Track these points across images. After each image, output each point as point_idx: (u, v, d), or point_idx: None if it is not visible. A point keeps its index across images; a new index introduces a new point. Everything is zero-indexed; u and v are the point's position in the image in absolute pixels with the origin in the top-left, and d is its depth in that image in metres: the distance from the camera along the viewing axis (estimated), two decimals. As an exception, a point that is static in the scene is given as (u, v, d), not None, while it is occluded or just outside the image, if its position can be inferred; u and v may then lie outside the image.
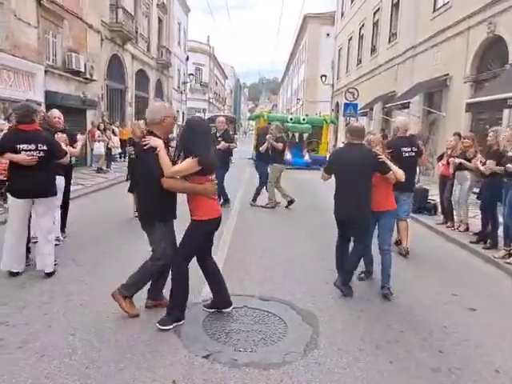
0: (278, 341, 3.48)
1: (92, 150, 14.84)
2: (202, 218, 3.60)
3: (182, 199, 3.79)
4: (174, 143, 7.55)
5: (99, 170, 14.00)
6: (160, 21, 26.93)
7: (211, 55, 50.59)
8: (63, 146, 5.19)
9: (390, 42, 19.94)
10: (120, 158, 17.29)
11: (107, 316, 3.77)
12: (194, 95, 43.82)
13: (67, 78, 14.42)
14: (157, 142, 3.49)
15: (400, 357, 3.33)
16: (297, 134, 20.22)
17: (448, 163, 7.58)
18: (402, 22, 18.48)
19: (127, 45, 20.12)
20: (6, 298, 4.03)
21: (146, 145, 3.50)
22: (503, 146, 6.18)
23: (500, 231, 6.26)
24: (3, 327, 3.49)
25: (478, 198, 7.04)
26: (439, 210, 8.53)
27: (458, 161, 7.14)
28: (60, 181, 5.30)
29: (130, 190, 7.73)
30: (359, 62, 25.69)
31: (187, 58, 38.56)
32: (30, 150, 4.46)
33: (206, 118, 21.07)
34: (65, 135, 5.70)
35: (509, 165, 5.66)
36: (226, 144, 8.91)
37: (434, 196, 9.13)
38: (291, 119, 20.37)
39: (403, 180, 4.61)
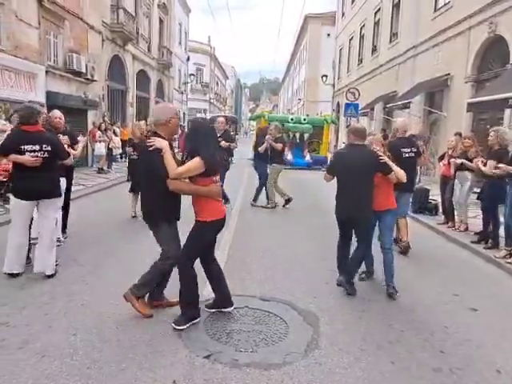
0: (279, 341, 3.48)
1: (93, 150, 14.85)
2: (206, 219, 3.60)
3: (186, 200, 3.79)
4: (175, 143, 7.55)
5: (100, 171, 14.01)
6: (161, 21, 26.95)
7: (212, 55, 50.61)
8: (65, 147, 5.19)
9: (390, 41, 19.93)
10: (121, 158, 17.30)
11: (108, 316, 3.77)
12: (195, 95, 43.84)
13: (68, 78, 14.43)
14: (162, 144, 3.48)
15: (401, 357, 3.33)
16: (298, 135, 20.21)
17: (449, 163, 7.58)
18: (402, 21, 18.47)
19: (128, 45, 20.14)
20: (7, 299, 4.03)
21: (151, 146, 3.49)
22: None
23: (501, 231, 6.25)
24: (4, 328, 3.49)
25: (478, 198, 7.03)
26: (440, 210, 8.53)
27: (459, 161, 7.13)
28: (62, 182, 5.30)
29: (131, 191, 7.76)
30: (360, 61, 25.68)
31: (188, 59, 38.58)
32: (34, 151, 4.46)
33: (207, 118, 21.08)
34: (66, 137, 5.70)
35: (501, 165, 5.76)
36: (227, 143, 8.94)
37: (435, 196, 9.12)
38: (292, 119, 20.37)
39: (404, 181, 4.67)
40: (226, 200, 9.09)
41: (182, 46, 35.74)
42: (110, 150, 14.85)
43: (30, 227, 4.84)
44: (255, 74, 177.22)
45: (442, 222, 8.05)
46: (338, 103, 30.40)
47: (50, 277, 4.60)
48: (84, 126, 15.19)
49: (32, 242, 4.99)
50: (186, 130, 20.14)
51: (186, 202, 3.77)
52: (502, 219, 6.25)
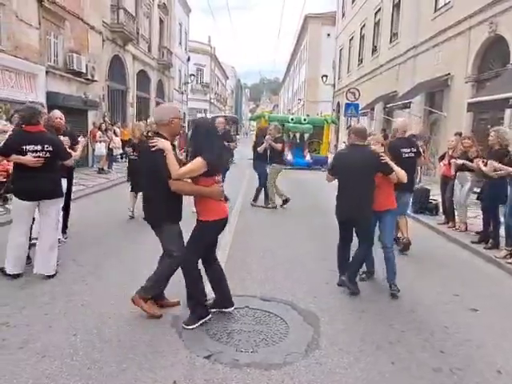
0: (280, 341, 3.48)
1: (93, 150, 14.85)
2: (208, 218, 3.61)
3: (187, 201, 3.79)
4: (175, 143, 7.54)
5: (100, 171, 14.01)
6: (161, 21, 26.95)
7: (212, 56, 50.61)
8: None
9: (391, 41, 19.93)
10: (121, 158, 17.30)
11: (109, 316, 3.77)
12: (195, 96, 43.83)
13: (69, 78, 14.43)
14: (164, 144, 3.48)
15: (401, 357, 3.32)
16: (298, 135, 20.21)
17: (449, 163, 7.58)
18: (403, 22, 18.47)
19: (128, 45, 20.14)
20: (7, 299, 4.03)
21: (153, 146, 3.48)
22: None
23: (501, 231, 6.25)
24: (4, 328, 3.50)
25: (478, 198, 7.03)
26: (441, 210, 8.52)
27: (460, 162, 7.13)
28: (62, 182, 5.30)
29: (132, 190, 7.77)
30: (360, 62, 25.68)
31: (188, 59, 38.58)
32: (36, 151, 4.46)
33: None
34: (67, 138, 5.70)
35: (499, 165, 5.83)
36: (227, 144, 8.96)
37: (436, 196, 9.12)
38: (292, 119, 20.38)
39: (405, 181, 4.70)
40: (226, 200, 9.10)
41: (182, 46, 35.74)
42: (110, 150, 14.86)
43: (31, 227, 4.85)
44: (255, 74, 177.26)
45: (442, 222, 8.05)
46: (339, 103, 30.40)
47: (50, 277, 4.60)
48: (84, 127, 15.19)
49: (32, 241, 4.99)
50: (187, 130, 20.18)
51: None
52: (502, 219, 6.25)
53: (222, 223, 3.72)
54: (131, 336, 3.45)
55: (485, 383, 3.07)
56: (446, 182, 7.82)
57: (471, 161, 6.93)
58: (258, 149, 9.57)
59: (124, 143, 15.37)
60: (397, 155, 5.40)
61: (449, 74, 13.66)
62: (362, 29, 25.27)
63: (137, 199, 7.71)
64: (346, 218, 4.65)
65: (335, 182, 4.87)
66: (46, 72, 12.95)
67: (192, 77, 37.66)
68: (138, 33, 21.42)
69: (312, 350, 3.37)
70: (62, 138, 5.45)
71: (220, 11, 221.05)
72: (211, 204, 3.61)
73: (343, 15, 31.23)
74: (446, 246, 6.99)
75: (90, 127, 15.29)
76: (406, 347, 3.48)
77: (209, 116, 29.84)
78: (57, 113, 5.84)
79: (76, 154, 5.84)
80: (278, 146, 9.34)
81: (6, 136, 5.83)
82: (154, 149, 3.46)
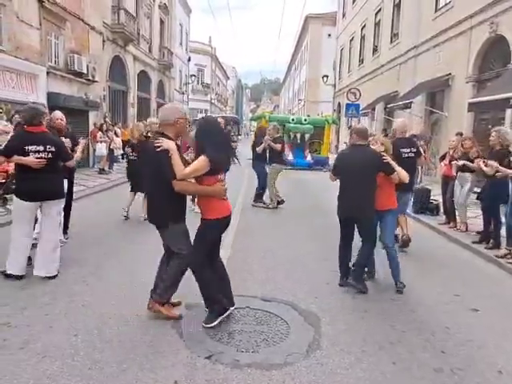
0: (280, 341, 3.48)
1: (94, 151, 14.86)
2: (211, 217, 3.61)
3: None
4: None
5: (101, 171, 14.02)
6: (162, 22, 26.96)
7: (213, 56, 50.63)
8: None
9: (391, 42, 19.93)
10: (122, 158, 17.27)
11: (109, 317, 3.77)
12: (196, 96, 43.84)
13: (69, 79, 14.44)
14: (169, 145, 3.47)
15: (402, 357, 3.32)
16: (298, 135, 20.21)
17: (450, 163, 7.57)
18: (403, 22, 18.46)
19: (129, 46, 20.15)
20: (8, 299, 4.03)
21: (158, 146, 3.47)
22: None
23: (502, 231, 6.24)
24: (5, 328, 3.50)
25: (477, 198, 7.03)
26: (441, 210, 8.52)
27: (461, 163, 7.13)
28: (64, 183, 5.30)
29: (132, 190, 7.76)
30: (361, 62, 25.68)
31: (189, 59, 38.60)
32: (38, 152, 4.45)
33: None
34: (68, 140, 5.71)
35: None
36: None
37: (437, 196, 9.11)
38: (293, 120, 20.38)
39: (407, 181, 4.74)
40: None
41: (182, 46, 35.75)
42: (111, 150, 14.86)
43: (33, 227, 4.84)
44: (256, 75, 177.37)
45: (443, 222, 8.05)
46: (339, 103, 30.40)
47: (51, 278, 4.59)
48: (85, 127, 15.20)
49: (33, 242, 4.99)
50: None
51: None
52: (503, 219, 6.25)
53: (225, 221, 3.72)
54: (132, 336, 3.45)
55: (486, 383, 3.06)
56: (447, 182, 7.82)
57: (472, 161, 6.93)
58: (257, 149, 9.56)
59: (125, 144, 15.38)
60: (397, 155, 5.41)
61: (450, 74, 13.66)
62: (362, 29, 25.28)
63: (134, 200, 7.71)
64: (347, 216, 4.67)
65: (336, 182, 4.88)
66: (47, 73, 12.96)
67: (193, 77, 37.69)
68: (138, 33, 21.44)
69: (313, 350, 3.37)
70: (63, 139, 5.45)
71: (220, 11, 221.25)
72: (214, 203, 3.62)
73: (344, 15, 31.23)
74: (447, 246, 6.98)
75: (91, 128, 15.30)
76: (407, 347, 3.48)
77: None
78: (58, 114, 5.84)
79: (76, 155, 5.85)
80: (277, 146, 9.33)
81: (8, 137, 5.83)
82: (159, 149, 3.46)
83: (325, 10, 47.19)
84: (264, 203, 9.60)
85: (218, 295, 3.75)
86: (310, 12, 43.00)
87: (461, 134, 8.80)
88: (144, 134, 7.70)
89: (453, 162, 7.42)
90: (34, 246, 4.83)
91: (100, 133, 14.52)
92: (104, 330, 3.53)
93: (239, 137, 40.68)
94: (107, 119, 16.40)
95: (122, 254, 5.69)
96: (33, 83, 12.33)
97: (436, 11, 15.06)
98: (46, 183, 4.51)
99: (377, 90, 20.89)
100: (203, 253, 3.69)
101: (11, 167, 7.78)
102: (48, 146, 4.51)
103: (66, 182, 5.40)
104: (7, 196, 8.07)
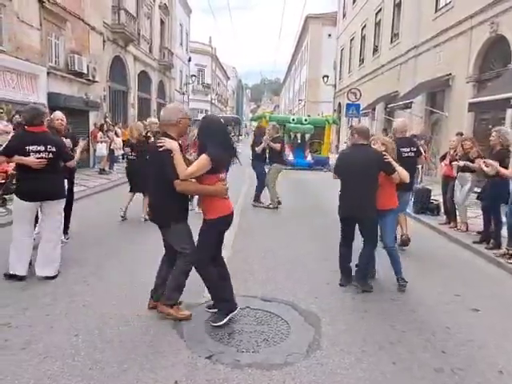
0: (281, 342, 3.48)
1: (94, 151, 14.86)
2: (213, 216, 3.62)
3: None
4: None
5: (102, 172, 14.03)
6: (162, 22, 26.97)
7: (213, 56, 50.64)
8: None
9: (392, 42, 19.93)
10: (122, 159, 17.29)
11: (110, 317, 3.77)
12: (196, 96, 43.85)
13: (70, 79, 14.45)
14: (172, 144, 3.48)
15: (403, 357, 3.32)
16: (299, 135, 20.24)
17: (451, 164, 7.57)
18: (404, 22, 18.46)
19: (129, 46, 20.16)
20: (9, 300, 4.03)
21: (161, 146, 3.48)
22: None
23: (503, 231, 6.24)
24: (6, 328, 3.50)
25: (478, 197, 7.03)
26: (442, 210, 8.52)
27: (461, 163, 7.13)
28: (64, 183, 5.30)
29: (131, 191, 7.75)
30: (361, 62, 25.68)
31: (189, 59, 38.60)
32: (39, 152, 4.45)
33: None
34: (68, 140, 5.71)
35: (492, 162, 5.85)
36: None
37: (437, 196, 9.11)
38: (293, 120, 20.40)
39: (408, 181, 4.77)
40: None
41: (183, 46, 35.76)
42: (111, 150, 14.87)
43: (34, 227, 4.85)
44: (256, 75, 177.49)
45: (443, 223, 8.05)
46: (340, 104, 30.40)
47: (52, 278, 4.60)
48: (85, 127, 15.20)
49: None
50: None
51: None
52: (504, 219, 6.25)
53: (227, 219, 3.73)
54: (132, 336, 3.46)
55: (486, 383, 3.07)
56: (448, 182, 7.82)
57: (472, 161, 6.93)
58: (256, 149, 9.55)
59: (125, 144, 15.39)
60: (397, 155, 5.41)
61: (450, 74, 13.66)
62: (362, 29, 25.28)
63: (132, 200, 7.70)
64: (348, 215, 4.68)
65: (337, 182, 4.89)
66: (48, 73, 12.97)
67: (193, 77, 37.69)
68: (138, 33, 21.45)
69: (313, 350, 3.37)
70: (63, 139, 5.44)
71: (221, 11, 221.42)
72: (216, 202, 3.62)
73: (344, 15, 31.23)
74: (447, 246, 6.98)
75: (91, 128, 15.31)
76: (407, 347, 3.48)
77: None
78: (58, 114, 5.84)
79: (75, 156, 5.85)
80: (277, 145, 9.32)
81: (8, 137, 5.83)
82: (161, 149, 3.47)
83: (325, 10, 47.31)
84: (261, 203, 9.59)
85: (225, 294, 3.75)
86: (310, 12, 43.04)
87: (461, 134, 8.79)
88: (143, 134, 7.70)
89: (453, 163, 7.42)
90: (35, 246, 4.83)
91: (100, 133, 14.53)
92: (105, 330, 3.53)
93: (240, 137, 40.71)
94: (108, 119, 16.41)
95: (123, 254, 5.69)
96: (33, 83, 12.34)
97: (436, 11, 15.06)
98: (46, 183, 4.51)
99: (377, 90, 20.88)
100: (207, 252, 3.69)
101: (10, 168, 7.80)
102: (49, 146, 4.51)
103: (66, 182, 5.41)
104: (7, 196, 8.08)
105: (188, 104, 37.64)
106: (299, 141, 20.21)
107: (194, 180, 3.56)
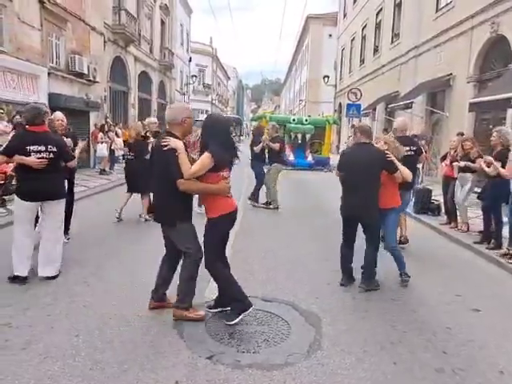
0: (281, 342, 3.48)
1: (95, 151, 14.88)
2: (216, 215, 3.62)
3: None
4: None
5: (102, 172, 14.04)
6: (162, 23, 26.98)
7: (214, 56, 50.66)
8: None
9: (392, 42, 19.94)
10: (123, 159, 17.30)
11: (110, 317, 3.77)
12: (197, 96, 43.86)
13: (70, 80, 14.47)
14: (177, 144, 3.48)
15: (404, 358, 3.32)
16: (299, 135, 20.24)
17: (451, 163, 7.57)
18: (404, 22, 18.46)
19: (130, 47, 20.17)
20: (10, 300, 4.03)
21: (166, 145, 3.48)
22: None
23: (504, 231, 6.23)
24: (6, 328, 3.50)
25: (478, 197, 7.02)
26: (443, 210, 8.51)
27: (462, 164, 7.13)
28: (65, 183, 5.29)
29: (129, 191, 7.74)
30: (362, 62, 25.69)
31: (190, 60, 38.63)
32: (39, 152, 4.44)
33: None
34: (69, 139, 5.71)
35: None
36: None
37: (438, 196, 9.11)
38: (294, 120, 20.41)
39: (410, 180, 4.76)
40: None
41: (183, 47, 35.78)
42: (112, 151, 14.87)
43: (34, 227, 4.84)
44: (257, 75, 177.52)
45: (444, 223, 8.04)
46: (340, 104, 30.40)
47: (53, 278, 4.60)
48: (86, 128, 15.21)
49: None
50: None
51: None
52: (505, 219, 6.24)
53: (231, 217, 3.72)
54: (133, 337, 3.46)
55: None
56: (448, 183, 7.81)
57: (473, 162, 6.93)
58: (255, 148, 9.54)
59: (124, 144, 15.39)
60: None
61: (451, 74, 13.65)
62: (363, 29, 25.28)
63: (128, 201, 7.67)
64: (350, 214, 4.69)
65: (337, 183, 4.89)
66: (48, 73, 12.99)
67: (194, 78, 37.70)
68: (139, 34, 21.46)
69: (314, 350, 3.37)
70: (64, 139, 5.44)
71: (221, 12, 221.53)
72: (218, 200, 3.63)
73: (345, 16, 31.24)
74: (448, 247, 6.98)
75: (92, 128, 15.32)
76: (408, 348, 3.47)
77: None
78: (58, 115, 5.84)
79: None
80: (276, 145, 9.30)
81: (8, 137, 5.83)
82: (166, 148, 3.47)
83: (326, 10, 47.33)
84: (257, 202, 9.58)
85: (237, 294, 3.74)
86: (311, 12, 43.03)
87: (462, 134, 8.79)
88: (142, 133, 7.70)
89: (454, 164, 7.42)
90: (36, 247, 4.84)
91: (101, 134, 14.54)
92: (105, 331, 3.53)
93: (241, 137, 40.73)
94: (108, 120, 16.42)
95: (123, 254, 5.69)
96: (34, 84, 12.35)
97: (437, 11, 15.06)
98: (46, 183, 4.50)
99: (378, 90, 20.88)
100: (214, 251, 3.70)
101: (9, 169, 7.80)
102: (49, 146, 4.50)
103: (66, 182, 5.41)
104: (6, 197, 8.09)
105: (188, 104, 37.63)
106: (300, 141, 20.21)
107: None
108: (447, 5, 14.24)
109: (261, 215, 8.79)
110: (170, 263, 3.91)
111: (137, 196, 7.72)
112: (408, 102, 14.91)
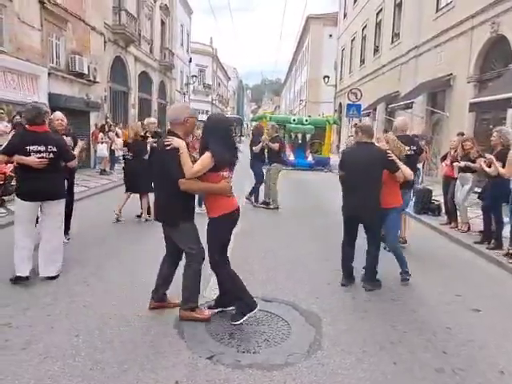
0: (281, 342, 3.48)
1: (95, 151, 14.88)
2: (217, 214, 3.62)
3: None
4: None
5: (102, 172, 14.04)
6: (163, 23, 26.98)
7: (214, 57, 50.67)
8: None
9: (392, 42, 19.93)
10: (123, 159, 17.31)
11: (110, 317, 3.77)
12: (197, 97, 43.86)
13: (71, 80, 14.48)
14: (180, 143, 3.48)
15: (404, 358, 3.32)
16: (300, 135, 20.25)
17: (452, 163, 7.57)
18: (404, 22, 18.46)
19: (130, 47, 20.18)
20: (10, 300, 4.04)
21: (168, 145, 3.48)
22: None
23: (505, 231, 6.23)
24: (7, 328, 3.50)
25: (479, 197, 7.02)
26: (443, 210, 8.51)
27: (462, 164, 7.13)
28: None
29: (128, 191, 7.73)
30: (362, 62, 25.69)
31: (190, 60, 38.64)
32: (39, 152, 4.43)
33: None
34: (69, 138, 5.70)
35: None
36: None
37: (438, 197, 9.10)
38: (294, 120, 20.42)
39: (412, 179, 4.77)
40: None
41: (183, 47, 35.79)
42: (112, 151, 14.88)
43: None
44: (257, 75, 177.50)
45: (444, 223, 8.04)
46: (340, 104, 30.40)
47: (53, 278, 4.60)
48: (86, 128, 15.22)
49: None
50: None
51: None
52: (506, 219, 6.24)
53: (232, 217, 3.71)
54: (133, 337, 3.45)
55: (487, 384, 3.06)
56: (448, 183, 7.81)
57: (473, 162, 6.93)
58: (254, 148, 9.54)
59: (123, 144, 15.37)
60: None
61: (451, 74, 13.65)
62: (363, 29, 25.29)
63: (127, 201, 7.66)
64: (352, 214, 4.69)
65: (337, 183, 4.89)
66: (48, 73, 12.99)
67: (194, 78, 37.71)
68: (139, 34, 21.47)
69: (314, 350, 3.36)
70: (64, 137, 5.41)
71: (222, 12, 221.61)
72: (219, 200, 3.62)
73: (345, 16, 31.24)
74: (448, 247, 6.97)
75: (92, 129, 15.33)
76: (408, 348, 3.47)
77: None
78: (58, 114, 5.82)
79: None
80: (275, 145, 9.30)
81: (8, 137, 5.82)
82: (168, 148, 3.46)
83: (326, 10, 47.33)
84: (256, 202, 9.57)
85: (242, 294, 3.74)
86: (311, 13, 43.05)
87: (462, 134, 8.79)
88: (142, 133, 7.69)
89: (454, 164, 7.42)
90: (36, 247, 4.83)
91: (101, 134, 14.54)
92: (105, 331, 3.53)
93: (242, 137, 40.77)
94: (109, 120, 16.43)
95: (123, 254, 5.69)
96: (34, 84, 12.35)
97: (437, 11, 15.06)
98: (46, 183, 4.49)
99: (378, 90, 20.88)
100: (218, 251, 3.70)
101: (9, 169, 7.80)
102: (49, 147, 4.49)
103: (65, 182, 5.40)
104: (5, 198, 8.09)
105: (189, 104, 37.63)
106: (300, 141, 20.23)
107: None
108: (447, 5, 14.24)
109: (261, 215, 8.79)
110: (171, 263, 3.91)
111: (135, 196, 7.71)
112: (408, 102, 14.91)
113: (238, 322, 3.66)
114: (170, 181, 3.50)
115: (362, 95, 20.19)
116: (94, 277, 4.79)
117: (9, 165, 7.16)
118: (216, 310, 3.91)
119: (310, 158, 19.60)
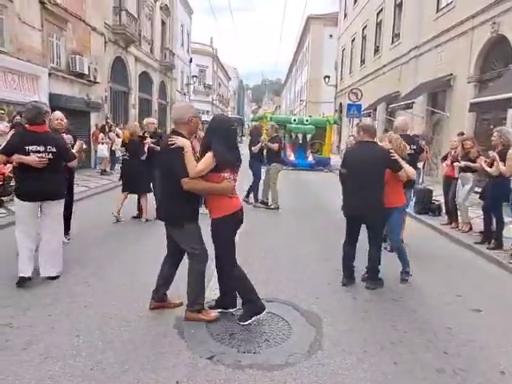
0: (282, 342, 3.48)
1: (96, 152, 14.89)
2: (219, 215, 3.62)
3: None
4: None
5: (103, 172, 14.05)
6: (163, 23, 26.99)
7: (214, 57, 50.67)
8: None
9: (393, 42, 19.93)
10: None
11: (111, 317, 3.77)
12: (198, 97, 43.85)
13: (71, 80, 14.49)
14: (184, 142, 3.48)
15: (404, 358, 3.31)
16: (300, 135, 20.25)
17: (452, 163, 7.57)
18: (405, 22, 18.46)
19: (130, 47, 20.19)
20: (10, 300, 4.04)
21: (172, 144, 3.47)
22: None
23: (505, 231, 6.23)
24: (7, 329, 3.50)
25: (480, 197, 7.02)
26: (443, 210, 8.51)
27: (462, 164, 7.13)
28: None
29: (124, 191, 7.72)
30: (362, 62, 25.68)
31: (190, 60, 38.64)
32: (38, 152, 4.41)
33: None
34: (70, 136, 5.69)
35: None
36: None
37: (439, 197, 9.10)
38: (295, 120, 20.42)
39: (414, 178, 4.76)
40: None
41: (184, 47, 35.79)
42: (112, 151, 14.88)
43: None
44: (257, 75, 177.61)
45: (445, 223, 8.03)
46: (341, 104, 30.39)
47: (53, 278, 4.59)
48: (87, 128, 15.23)
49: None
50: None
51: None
52: (506, 219, 6.23)
53: (235, 218, 3.70)
54: (133, 337, 3.45)
55: (488, 384, 3.06)
56: (449, 183, 7.81)
57: (473, 161, 6.93)
58: (253, 148, 9.53)
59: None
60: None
61: (451, 74, 13.64)
62: (364, 29, 25.28)
63: (125, 201, 7.65)
64: (354, 213, 4.68)
65: (337, 183, 4.89)
66: (49, 74, 13.01)
67: (194, 78, 37.71)
68: (140, 34, 21.47)
69: (314, 350, 3.36)
70: (65, 135, 5.38)
71: (222, 12, 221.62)
72: (221, 200, 3.62)
73: (345, 16, 31.24)
74: (449, 247, 6.97)
75: (93, 129, 15.33)
76: (408, 348, 3.47)
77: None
78: (57, 114, 5.81)
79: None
80: (274, 146, 9.30)
81: (8, 137, 5.81)
82: (172, 147, 3.46)
83: (326, 10, 47.32)
84: (248, 202, 9.56)
85: (251, 295, 3.73)
86: (312, 13, 43.02)
87: (462, 134, 8.79)
88: (140, 133, 7.69)
89: (455, 164, 7.42)
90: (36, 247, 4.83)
91: (102, 134, 14.55)
92: (105, 331, 3.53)
93: (243, 138, 40.78)
94: (109, 120, 16.43)
95: (123, 254, 5.69)
96: (34, 84, 12.36)
97: (438, 11, 15.05)
98: (46, 183, 4.47)
99: (378, 90, 20.88)
100: (224, 252, 3.69)
101: (7, 170, 7.80)
102: (49, 147, 4.47)
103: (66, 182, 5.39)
104: (4, 198, 8.09)
105: (189, 105, 37.54)
106: (300, 141, 20.22)
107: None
108: (448, 5, 14.23)
109: (261, 215, 8.79)
110: (172, 264, 3.90)
111: (135, 196, 7.71)
112: (409, 102, 14.90)
113: (247, 323, 3.66)
114: (174, 180, 3.49)
115: (362, 95, 20.19)
116: (94, 277, 4.79)
117: (8, 165, 7.14)
118: (216, 311, 3.91)
119: (310, 158, 19.60)
